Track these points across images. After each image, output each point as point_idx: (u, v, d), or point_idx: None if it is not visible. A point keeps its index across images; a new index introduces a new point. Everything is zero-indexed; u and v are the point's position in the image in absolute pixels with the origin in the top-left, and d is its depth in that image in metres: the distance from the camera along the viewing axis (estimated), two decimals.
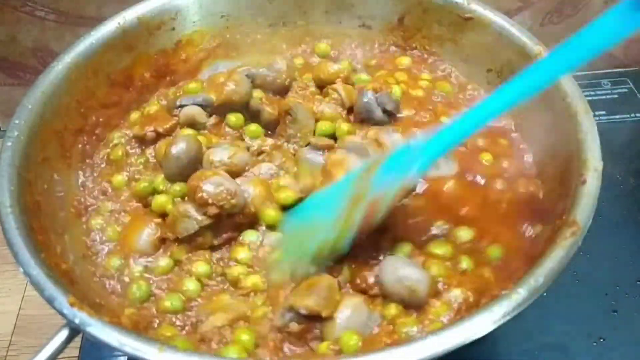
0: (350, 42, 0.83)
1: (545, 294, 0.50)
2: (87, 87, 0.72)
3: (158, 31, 0.77)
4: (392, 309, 0.55)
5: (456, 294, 0.56)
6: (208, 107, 0.71)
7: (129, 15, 0.75)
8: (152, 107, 0.74)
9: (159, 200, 0.64)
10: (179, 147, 0.64)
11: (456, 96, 0.76)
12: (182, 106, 0.71)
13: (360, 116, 0.71)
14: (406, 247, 0.60)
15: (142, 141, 0.70)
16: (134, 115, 0.75)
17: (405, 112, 0.73)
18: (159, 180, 0.65)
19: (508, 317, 0.48)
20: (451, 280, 0.57)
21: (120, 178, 0.68)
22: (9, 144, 0.61)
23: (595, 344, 0.72)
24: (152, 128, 0.70)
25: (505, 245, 0.60)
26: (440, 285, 0.57)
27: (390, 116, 0.71)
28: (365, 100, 0.70)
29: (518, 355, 0.72)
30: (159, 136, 0.70)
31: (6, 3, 0.91)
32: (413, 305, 0.56)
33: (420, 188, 0.64)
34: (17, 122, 0.63)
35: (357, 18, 0.82)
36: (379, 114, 0.70)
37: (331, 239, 0.57)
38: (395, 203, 0.59)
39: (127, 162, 0.70)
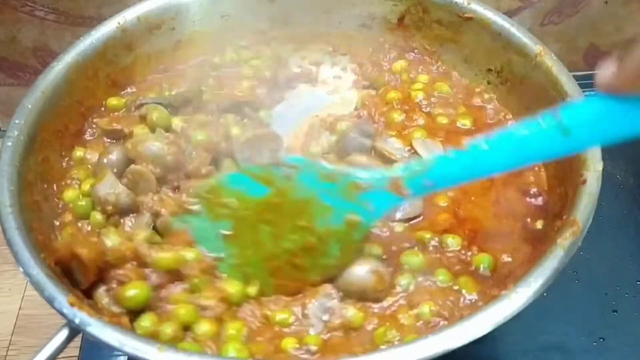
0: (350, 42, 0.83)
1: (545, 294, 0.50)
2: (87, 87, 0.72)
3: (158, 31, 0.77)
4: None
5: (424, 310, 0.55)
6: (169, 107, 0.70)
7: (129, 15, 0.75)
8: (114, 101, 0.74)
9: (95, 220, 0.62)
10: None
11: (455, 96, 0.76)
12: (141, 105, 0.70)
13: (347, 151, 0.68)
14: (376, 250, 0.60)
15: (110, 135, 0.70)
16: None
17: (395, 117, 0.73)
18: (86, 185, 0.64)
19: (508, 317, 0.48)
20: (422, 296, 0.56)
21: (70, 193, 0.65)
22: (9, 144, 0.61)
23: (595, 344, 0.72)
24: (119, 126, 0.69)
25: (498, 251, 0.60)
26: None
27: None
28: (353, 136, 0.68)
29: (518, 355, 0.72)
30: (124, 135, 0.69)
31: (6, 3, 0.91)
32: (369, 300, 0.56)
33: None
34: (17, 122, 0.63)
35: (357, 18, 0.82)
36: (368, 142, 0.69)
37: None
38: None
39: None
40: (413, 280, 0.57)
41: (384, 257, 0.59)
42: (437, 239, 0.61)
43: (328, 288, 0.56)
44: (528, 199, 0.65)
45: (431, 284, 0.57)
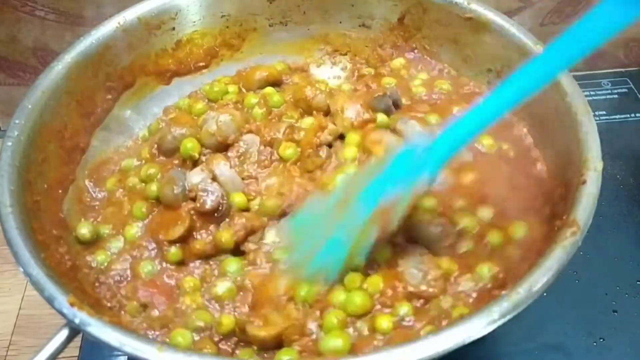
0: (350, 42, 0.83)
1: (545, 294, 0.50)
2: (88, 87, 0.72)
3: (158, 31, 0.77)
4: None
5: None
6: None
7: (129, 15, 0.75)
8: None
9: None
10: None
11: (457, 92, 0.76)
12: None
13: (375, 108, 0.71)
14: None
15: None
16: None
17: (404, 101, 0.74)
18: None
19: (508, 318, 0.48)
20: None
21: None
22: (9, 144, 0.61)
23: (595, 344, 0.72)
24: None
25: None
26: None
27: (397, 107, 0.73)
28: (383, 104, 0.71)
29: (518, 355, 0.72)
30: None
31: (6, 3, 0.91)
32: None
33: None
34: (17, 122, 0.63)
35: (357, 18, 0.82)
36: (393, 110, 0.72)
37: (346, 247, 0.57)
38: (410, 206, 0.58)
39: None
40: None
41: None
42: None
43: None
44: (538, 182, 0.65)
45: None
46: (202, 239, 0.62)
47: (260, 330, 0.55)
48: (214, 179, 0.65)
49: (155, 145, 0.71)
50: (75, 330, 0.50)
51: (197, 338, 0.56)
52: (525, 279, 0.50)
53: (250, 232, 0.63)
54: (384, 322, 0.55)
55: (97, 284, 0.61)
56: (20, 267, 0.53)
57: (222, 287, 0.59)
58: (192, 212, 0.62)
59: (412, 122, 0.70)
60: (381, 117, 0.70)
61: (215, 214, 0.63)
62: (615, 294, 0.76)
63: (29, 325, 0.82)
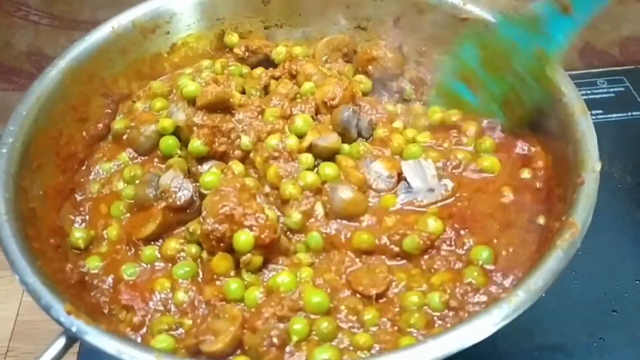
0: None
1: (545, 295, 0.50)
2: (82, 93, 0.71)
3: (152, 35, 0.77)
4: None
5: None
6: None
7: (123, 20, 0.75)
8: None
9: None
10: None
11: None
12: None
13: (336, 128, 0.68)
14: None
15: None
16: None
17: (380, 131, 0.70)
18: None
19: (508, 320, 0.48)
20: None
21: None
22: (4, 150, 0.61)
23: (595, 344, 0.72)
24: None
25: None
26: None
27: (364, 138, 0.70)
28: (345, 114, 0.68)
29: (518, 355, 0.72)
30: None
31: (0, 7, 0.91)
32: None
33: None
34: (11, 128, 0.63)
35: (352, 19, 0.82)
36: (353, 133, 0.68)
37: None
38: None
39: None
40: None
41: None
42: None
43: None
44: (533, 189, 0.64)
45: None
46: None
47: (214, 345, 0.52)
48: (187, 176, 0.65)
49: (131, 150, 0.71)
50: (72, 339, 0.50)
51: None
52: (525, 281, 0.50)
53: None
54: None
55: (92, 290, 0.60)
56: (16, 276, 0.52)
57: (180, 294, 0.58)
58: (166, 210, 0.62)
59: (376, 164, 0.65)
60: (346, 147, 0.68)
61: (188, 210, 0.62)
62: (615, 294, 0.76)
63: (27, 331, 0.82)
